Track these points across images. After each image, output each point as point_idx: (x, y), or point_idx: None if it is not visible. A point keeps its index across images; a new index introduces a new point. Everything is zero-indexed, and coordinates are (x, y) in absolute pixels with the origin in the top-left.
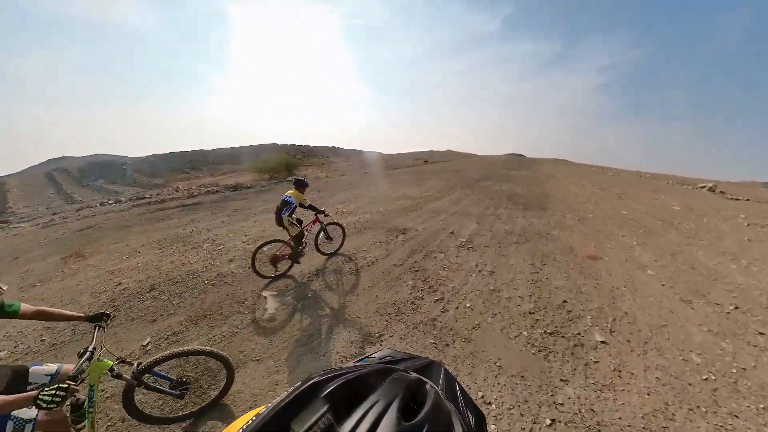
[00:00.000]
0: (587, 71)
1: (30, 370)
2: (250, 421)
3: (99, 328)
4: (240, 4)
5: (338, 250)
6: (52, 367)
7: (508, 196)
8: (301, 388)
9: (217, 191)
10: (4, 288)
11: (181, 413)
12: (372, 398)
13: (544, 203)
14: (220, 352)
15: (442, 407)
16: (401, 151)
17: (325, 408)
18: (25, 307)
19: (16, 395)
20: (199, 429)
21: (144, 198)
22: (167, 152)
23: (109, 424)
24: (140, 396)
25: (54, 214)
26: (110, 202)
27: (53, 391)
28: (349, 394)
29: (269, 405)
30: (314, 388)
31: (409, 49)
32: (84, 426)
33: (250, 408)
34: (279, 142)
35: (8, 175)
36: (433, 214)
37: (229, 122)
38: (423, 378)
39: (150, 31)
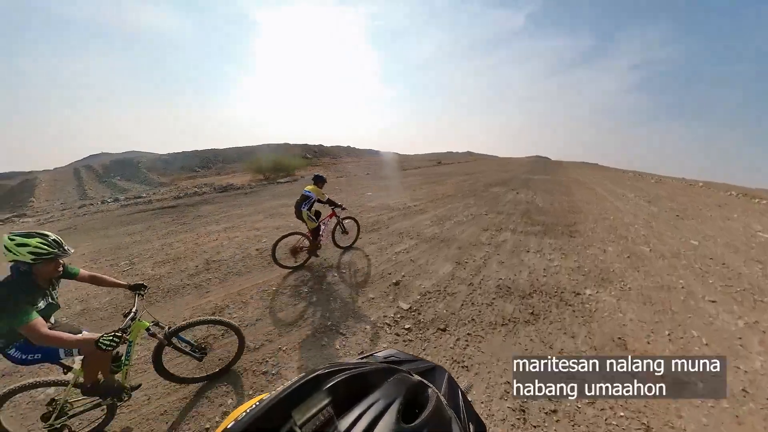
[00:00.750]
0: (619, 69)
1: (83, 331)
2: (254, 406)
3: (139, 296)
4: (265, 6)
5: (353, 243)
6: (95, 335)
7: (523, 210)
8: (305, 379)
9: (204, 192)
10: (71, 251)
11: (197, 375)
12: (372, 396)
13: (572, 224)
14: (235, 324)
15: (443, 413)
16: (420, 151)
17: (326, 401)
18: (83, 272)
19: (82, 336)
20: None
21: (140, 197)
22: (180, 151)
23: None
24: (167, 357)
25: (64, 209)
26: (109, 200)
27: (111, 337)
28: (351, 389)
29: (272, 392)
30: (317, 380)
31: (430, 49)
32: (117, 377)
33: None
34: (291, 142)
35: (54, 169)
36: (396, 239)
37: (254, 121)
38: (425, 382)
39: (185, 37)
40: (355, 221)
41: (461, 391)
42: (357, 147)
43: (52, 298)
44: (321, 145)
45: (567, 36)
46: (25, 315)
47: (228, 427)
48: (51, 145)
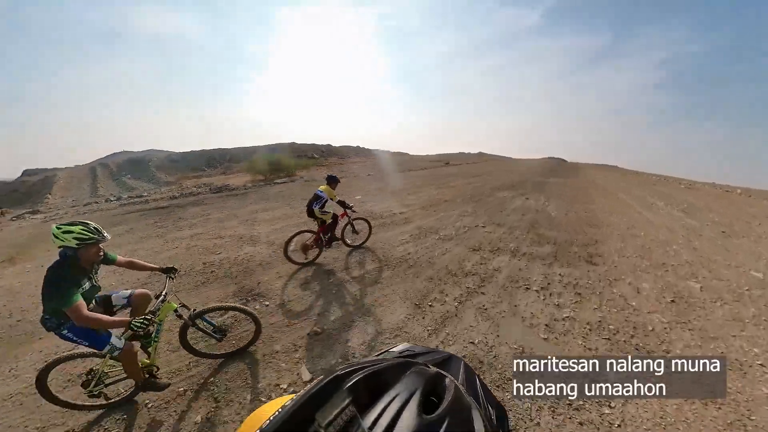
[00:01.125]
0: (640, 67)
1: (112, 296)
2: (278, 412)
3: (169, 278)
4: (281, 9)
5: (363, 243)
6: (126, 292)
7: (530, 222)
8: (325, 381)
9: (199, 193)
10: (109, 237)
11: (217, 352)
12: (392, 391)
13: (591, 242)
14: (252, 311)
15: (463, 401)
16: (431, 152)
17: (348, 400)
18: (120, 258)
19: (117, 317)
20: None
21: (141, 197)
22: (199, 149)
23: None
24: (191, 335)
25: (73, 206)
26: (112, 198)
27: (142, 320)
28: (371, 386)
29: (294, 397)
30: (337, 381)
31: (442, 49)
32: (149, 350)
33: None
34: (300, 141)
35: (74, 167)
36: (353, 262)
37: (266, 121)
38: (442, 372)
39: (203, 41)
40: (367, 222)
41: (479, 378)
42: (366, 147)
43: (94, 281)
44: (329, 145)
45: (584, 33)
46: (70, 297)
47: None
48: (78, 144)
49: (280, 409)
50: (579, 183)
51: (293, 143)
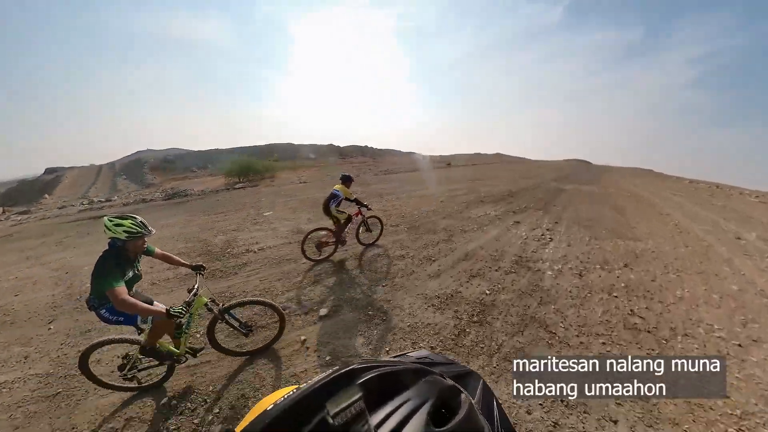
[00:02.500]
0: (674, 63)
1: (153, 302)
2: (292, 392)
3: (200, 275)
4: (304, 12)
5: (376, 241)
6: (164, 306)
7: (484, 308)
8: (340, 372)
9: (151, 200)
10: (153, 231)
11: (242, 350)
12: (404, 396)
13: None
14: (278, 306)
15: (475, 421)
16: (446, 152)
17: (359, 395)
18: (157, 251)
19: (154, 307)
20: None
21: (108, 201)
22: (185, 150)
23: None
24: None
25: (61, 207)
26: (84, 203)
27: (180, 307)
28: (383, 386)
29: (309, 381)
30: (351, 374)
31: (461, 47)
32: (180, 339)
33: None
34: (309, 142)
35: (90, 165)
36: None
37: (284, 121)
38: (458, 386)
39: (229, 44)
40: (380, 220)
41: (497, 401)
42: (372, 146)
43: (137, 270)
44: (331, 144)
45: (611, 28)
46: (113, 280)
47: (267, 409)
48: (112, 142)
49: (293, 391)
50: (609, 191)
51: (290, 143)
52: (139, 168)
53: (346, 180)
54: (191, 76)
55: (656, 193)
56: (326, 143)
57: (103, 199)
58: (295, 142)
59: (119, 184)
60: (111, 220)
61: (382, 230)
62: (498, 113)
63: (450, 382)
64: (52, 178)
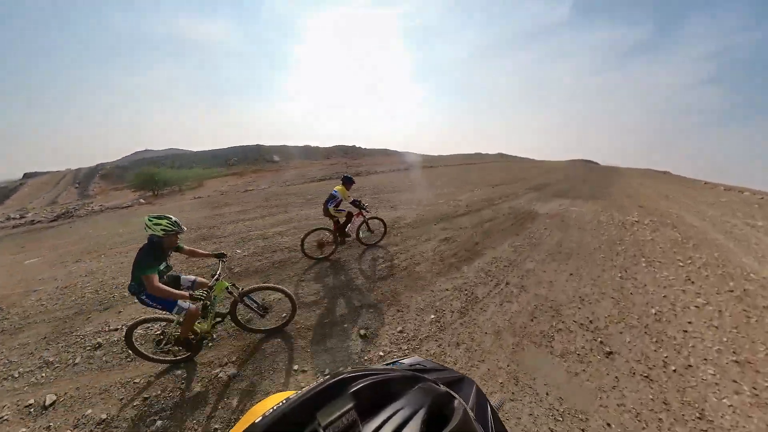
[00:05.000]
0: (685, 60)
1: (181, 278)
2: (281, 403)
3: (222, 262)
4: (304, 15)
5: (378, 242)
6: (191, 277)
7: None
8: (330, 381)
9: (38, 221)
10: (186, 229)
11: (259, 327)
12: (397, 404)
13: None
14: (290, 292)
15: (469, 427)
16: (448, 152)
17: (350, 405)
18: (185, 247)
19: (181, 291)
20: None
21: (23, 217)
22: (182, 150)
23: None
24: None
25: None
26: (13, 216)
27: (201, 292)
28: (375, 395)
29: (298, 392)
30: (342, 384)
31: (464, 47)
32: (207, 318)
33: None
34: (290, 144)
35: (57, 172)
36: None
37: (284, 120)
38: (452, 393)
39: (233, 44)
40: (382, 221)
41: (491, 406)
42: (361, 147)
43: (168, 262)
44: (314, 146)
45: (620, 25)
46: (148, 269)
47: (255, 421)
48: (111, 143)
49: (282, 402)
50: (621, 203)
51: (259, 144)
52: (95, 176)
53: (347, 181)
54: (193, 76)
55: (685, 206)
56: (314, 144)
57: (26, 214)
58: (293, 143)
59: (64, 195)
60: (151, 219)
61: (385, 231)
62: (501, 113)
63: (443, 388)
64: (16, 185)
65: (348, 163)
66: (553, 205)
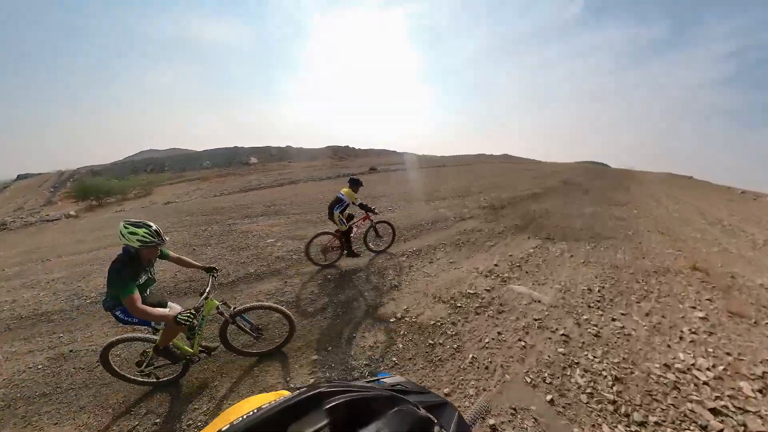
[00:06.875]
0: (703, 60)
1: (168, 303)
2: (252, 413)
3: (212, 277)
4: (320, 14)
5: (387, 248)
6: (178, 308)
7: None
8: (306, 395)
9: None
10: (168, 240)
11: (252, 350)
12: (374, 426)
13: None
14: (287, 312)
15: None
16: (454, 153)
17: (325, 421)
18: (172, 254)
19: (166, 312)
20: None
21: None
22: (184, 150)
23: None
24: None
25: None
26: None
27: (187, 315)
28: (353, 413)
29: (272, 402)
30: (318, 398)
31: (473, 47)
32: (193, 341)
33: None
34: (294, 144)
35: (39, 174)
36: None
37: (292, 121)
38: (433, 418)
39: (242, 46)
40: (391, 226)
41: None
42: (355, 147)
43: (151, 274)
44: (280, 147)
45: (634, 24)
46: (127, 289)
47: (223, 429)
48: (120, 143)
49: (254, 410)
50: (638, 267)
51: (236, 146)
52: (67, 181)
53: (354, 184)
54: (197, 76)
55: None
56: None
57: None
58: (294, 144)
59: (32, 202)
60: (126, 227)
61: (394, 236)
62: (509, 113)
63: (424, 413)
64: (1, 188)
65: (337, 164)
66: (482, 263)
